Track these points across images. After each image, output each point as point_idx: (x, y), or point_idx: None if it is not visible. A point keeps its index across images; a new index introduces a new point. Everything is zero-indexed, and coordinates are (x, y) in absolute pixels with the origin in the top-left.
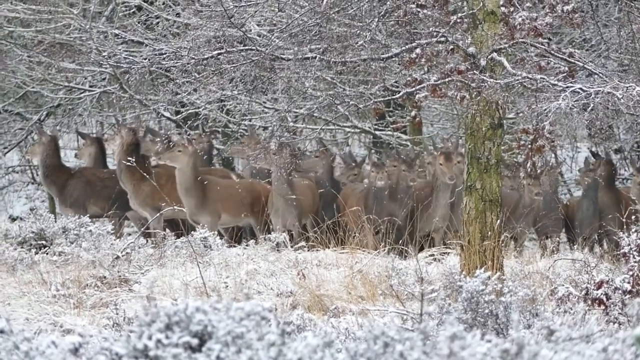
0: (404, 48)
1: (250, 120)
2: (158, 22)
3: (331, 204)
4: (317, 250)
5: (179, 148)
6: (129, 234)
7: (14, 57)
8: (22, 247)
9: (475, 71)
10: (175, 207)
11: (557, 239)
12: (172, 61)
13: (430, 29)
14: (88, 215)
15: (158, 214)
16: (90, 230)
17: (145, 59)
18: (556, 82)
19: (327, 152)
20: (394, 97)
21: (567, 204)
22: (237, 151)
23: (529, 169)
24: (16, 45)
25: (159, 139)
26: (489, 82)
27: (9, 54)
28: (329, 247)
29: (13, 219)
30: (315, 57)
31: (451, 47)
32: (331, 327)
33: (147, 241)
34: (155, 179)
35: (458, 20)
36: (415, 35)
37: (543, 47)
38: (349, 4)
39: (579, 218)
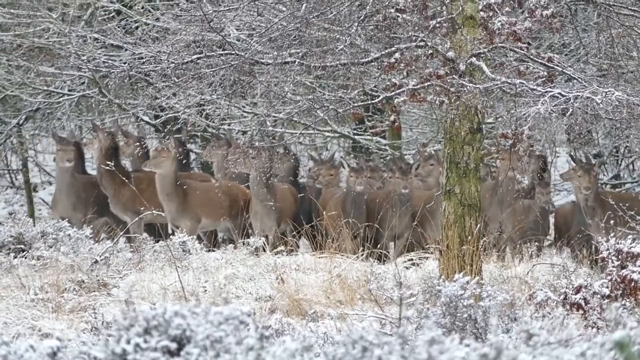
0: (383, 52)
1: (229, 125)
2: (137, 27)
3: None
4: (296, 254)
5: (163, 154)
6: (108, 238)
7: None
8: (0, 251)
9: (454, 76)
10: (154, 211)
11: (536, 243)
12: (152, 65)
13: (410, 33)
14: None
15: (137, 218)
16: (69, 235)
17: (124, 63)
18: (535, 87)
19: (288, 156)
20: (373, 101)
21: (556, 210)
22: (214, 155)
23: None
24: None
25: (131, 141)
26: (468, 87)
27: None
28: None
29: None
30: (295, 61)
31: (430, 51)
32: (310, 332)
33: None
34: (135, 183)
35: (437, 25)
36: (394, 40)
37: (522, 51)
38: (329, 8)
39: (575, 227)
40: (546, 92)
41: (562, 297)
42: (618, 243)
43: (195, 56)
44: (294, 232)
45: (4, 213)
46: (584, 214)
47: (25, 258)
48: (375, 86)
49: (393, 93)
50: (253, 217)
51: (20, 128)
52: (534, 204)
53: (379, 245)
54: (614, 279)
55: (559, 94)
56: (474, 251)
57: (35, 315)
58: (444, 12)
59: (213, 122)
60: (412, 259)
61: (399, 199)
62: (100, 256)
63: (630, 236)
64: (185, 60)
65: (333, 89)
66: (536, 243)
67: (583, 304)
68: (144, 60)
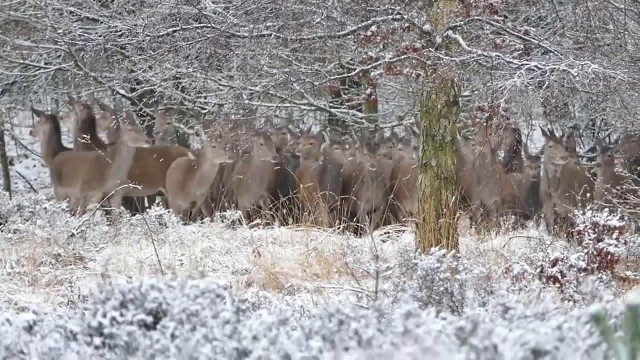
0: (359, 25)
1: (205, 98)
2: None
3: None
4: (272, 227)
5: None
6: (85, 212)
7: None
8: None
9: (430, 49)
10: (130, 184)
11: (513, 216)
12: (128, 38)
13: (386, 6)
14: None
15: (114, 191)
16: (45, 208)
17: (100, 36)
18: (511, 60)
19: (283, 129)
20: (349, 74)
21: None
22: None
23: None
24: None
25: (107, 114)
26: (444, 60)
27: None
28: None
29: None
30: (271, 34)
31: (407, 24)
32: (286, 305)
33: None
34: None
35: None
36: (370, 13)
37: (498, 24)
38: None
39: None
40: (522, 65)
41: (538, 270)
42: (594, 216)
43: (171, 29)
44: (271, 205)
45: None
46: (548, 186)
47: (2, 231)
48: (351, 59)
49: (369, 66)
50: (242, 190)
51: None
52: (525, 176)
53: (355, 219)
54: (590, 252)
55: (535, 66)
56: (450, 224)
57: (12, 289)
58: None
59: (189, 95)
60: (388, 232)
61: (369, 174)
62: (76, 229)
63: (606, 209)
64: (161, 33)
65: (309, 62)
66: (512, 216)
67: (559, 277)
68: (120, 33)
